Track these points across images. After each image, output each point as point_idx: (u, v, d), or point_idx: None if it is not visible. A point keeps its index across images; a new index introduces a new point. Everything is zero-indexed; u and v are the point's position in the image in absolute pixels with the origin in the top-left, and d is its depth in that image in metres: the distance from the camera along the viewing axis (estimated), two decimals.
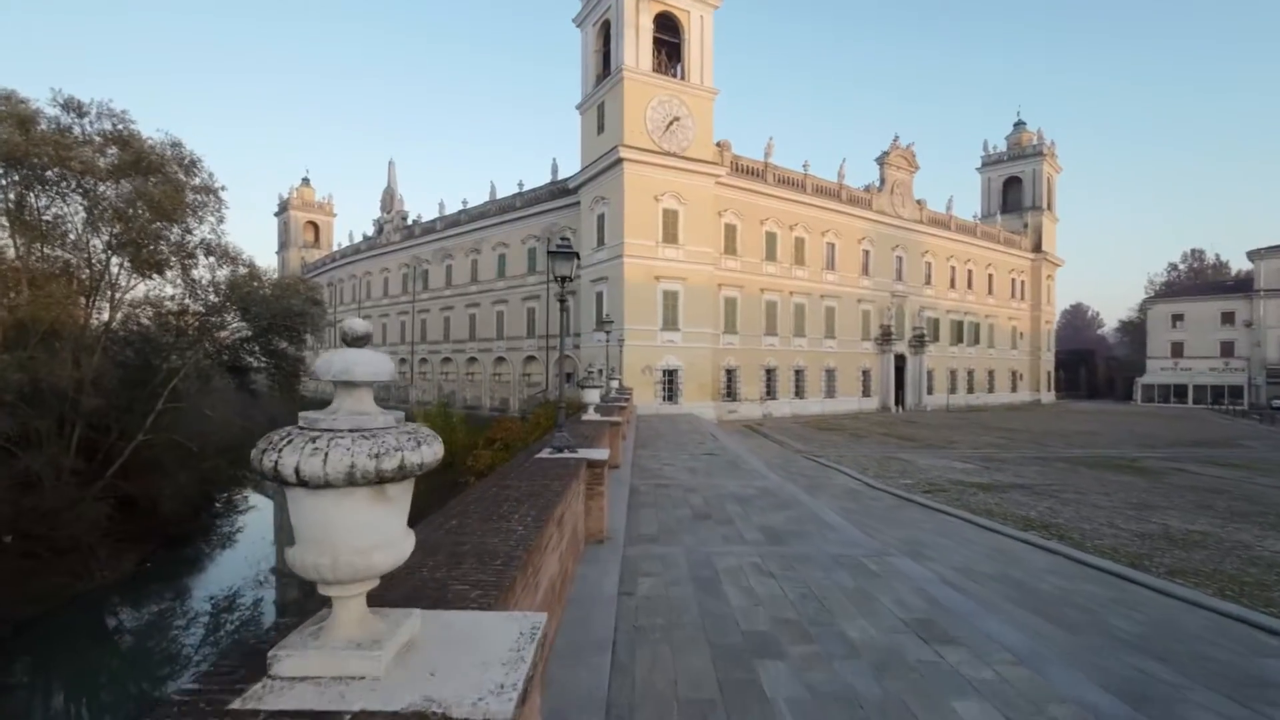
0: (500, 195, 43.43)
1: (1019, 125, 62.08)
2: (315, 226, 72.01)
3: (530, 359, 41.81)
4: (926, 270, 49.77)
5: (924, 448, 27.16)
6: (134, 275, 25.20)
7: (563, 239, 7.44)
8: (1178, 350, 70.77)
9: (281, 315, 25.47)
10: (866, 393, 45.76)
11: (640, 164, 30.86)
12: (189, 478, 26.11)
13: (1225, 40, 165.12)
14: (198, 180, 24.97)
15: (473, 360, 46.22)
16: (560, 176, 37.86)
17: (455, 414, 27.92)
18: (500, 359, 43.78)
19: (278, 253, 72.74)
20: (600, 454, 7.18)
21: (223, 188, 25.49)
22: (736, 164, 35.84)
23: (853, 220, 42.87)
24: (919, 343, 48.35)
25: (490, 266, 44.00)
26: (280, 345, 28.76)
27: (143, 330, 25.26)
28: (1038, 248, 61.04)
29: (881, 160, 45.31)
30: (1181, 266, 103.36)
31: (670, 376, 32.91)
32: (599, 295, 33.22)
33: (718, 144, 34.59)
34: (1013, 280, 59.69)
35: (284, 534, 38.59)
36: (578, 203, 36.27)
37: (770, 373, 39.26)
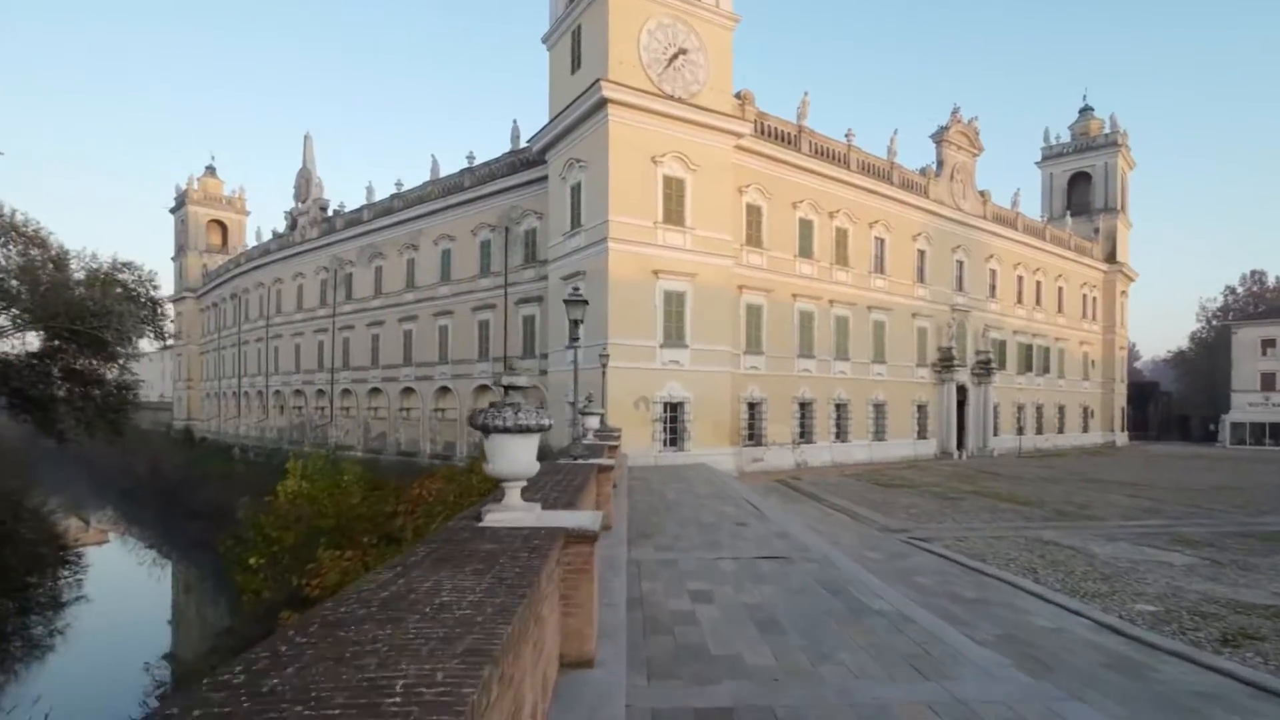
0: (445, 173, 36.20)
1: (1085, 111, 56.61)
2: (223, 226, 63.50)
3: (483, 389, 34.05)
4: (991, 279, 43.16)
5: (1057, 518, 19.87)
6: None
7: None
8: (1269, 382, 64.72)
9: (70, 315, 17.60)
10: (923, 433, 38.50)
11: (632, 109, 23.85)
12: None
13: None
14: None
15: (408, 392, 38.33)
16: (524, 144, 30.76)
17: (346, 466, 19.92)
18: (444, 389, 35.98)
19: (174, 258, 64.05)
20: None
21: None
22: (762, 124, 29.00)
23: (906, 210, 36.14)
24: (984, 370, 41.36)
25: (431, 267, 36.47)
26: (87, 364, 20.81)
27: None
28: (1111, 257, 55.02)
29: (939, 138, 38.92)
30: (1240, 290, 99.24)
31: (674, 412, 25.40)
32: None
33: (738, 95, 27.79)
34: (1084, 296, 53.43)
35: (189, 608, 29.95)
36: (545, 177, 29.14)
37: (805, 407, 31.85)
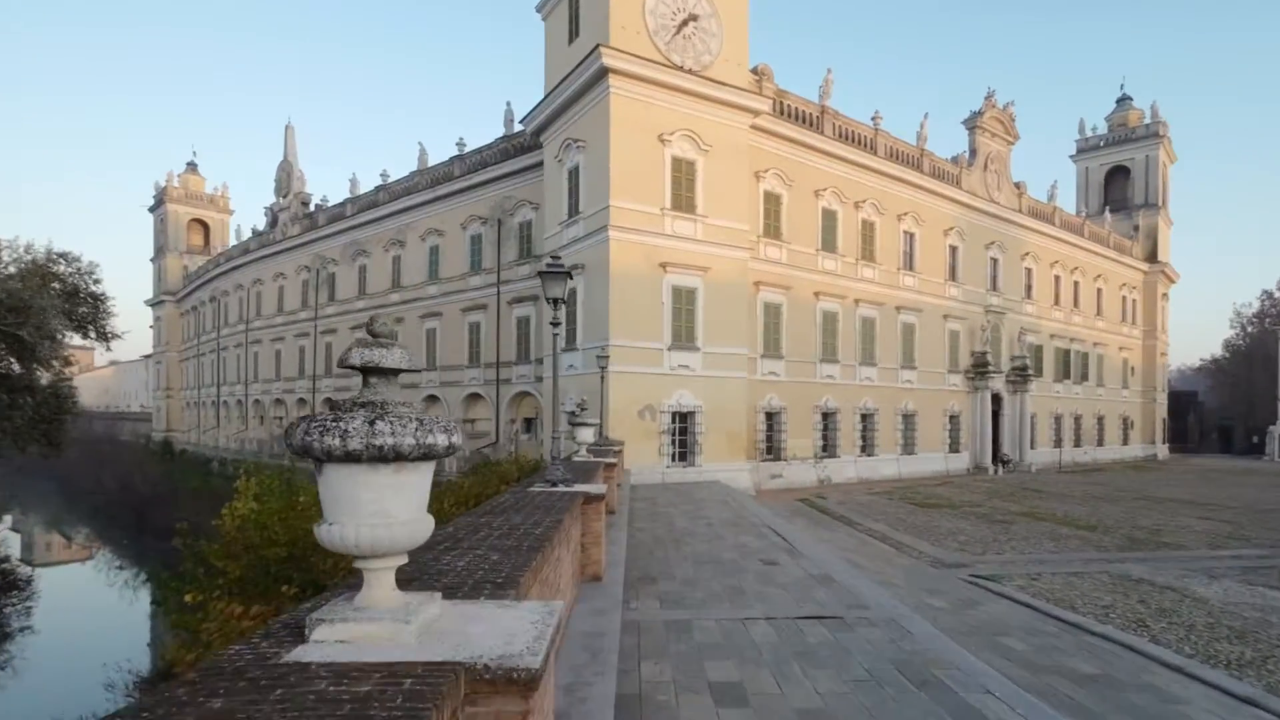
0: (434, 163, 34.12)
1: (1123, 101, 54.19)
2: (204, 226, 61.51)
3: (474, 397, 31.85)
4: (1026, 278, 40.72)
5: (1132, 546, 17.46)
6: None
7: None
8: None
9: None
10: (955, 446, 35.96)
11: (636, 80, 21.68)
12: None
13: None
14: None
15: None
16: (518, 127, 28.64)
17: (304, 485, 17.76)
18: (431, 398, 33.74)
19: (153, 260, 62.17)
20: None
21: None
22: (781, 103, 26.78)
23: (937, 201, 33.79)
24: (1021, 377, 38.83)
25: (418, 265, 34.32)
26: (17, 368, 18.66)
27: None
28: (1152, 257, 52.39)
29: (972, 124, 36.60)
30: (1277, 294, 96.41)
31: (683, 422, 23.06)
32: (572, 293, 23.55)
33: (754, 70, 25.61)
34: (1124, 298, 50.81)
35: (163, 634, 27.70)
36: (540, 163, 27.00)
37: (828, 417, 29.44)
